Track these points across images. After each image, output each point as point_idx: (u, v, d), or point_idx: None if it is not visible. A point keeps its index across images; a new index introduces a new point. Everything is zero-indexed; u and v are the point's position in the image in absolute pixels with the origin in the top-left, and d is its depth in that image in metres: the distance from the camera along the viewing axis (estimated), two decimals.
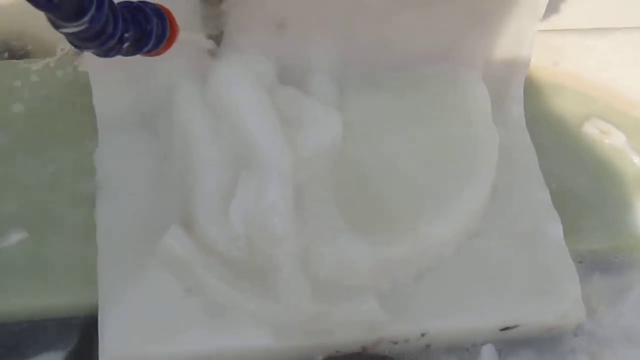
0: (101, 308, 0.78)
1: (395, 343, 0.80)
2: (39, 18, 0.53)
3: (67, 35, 0.54)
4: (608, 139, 0.98)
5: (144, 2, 0.62)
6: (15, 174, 0.89)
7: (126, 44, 0.57)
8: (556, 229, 0.86)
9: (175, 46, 0.69)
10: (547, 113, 1.00)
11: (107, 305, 0.78)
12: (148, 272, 0.80)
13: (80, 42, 0.54)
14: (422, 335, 0.80)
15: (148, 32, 0.60)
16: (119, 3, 0.58)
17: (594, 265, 0.89)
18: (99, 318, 0.78)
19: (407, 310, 0.79)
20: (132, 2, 0.60)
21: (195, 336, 0.77)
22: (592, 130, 0.98)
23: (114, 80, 0.85)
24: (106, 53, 0.57)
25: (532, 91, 0.99)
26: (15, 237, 0.85)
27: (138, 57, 0.66)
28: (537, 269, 0.84)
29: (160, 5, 0.62)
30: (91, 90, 0.86)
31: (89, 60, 0.84)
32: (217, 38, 0.82)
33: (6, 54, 1.01)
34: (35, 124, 0.93)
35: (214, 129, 0.82)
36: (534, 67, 0.97)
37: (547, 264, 0.84)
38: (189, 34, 0.78)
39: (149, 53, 0.62)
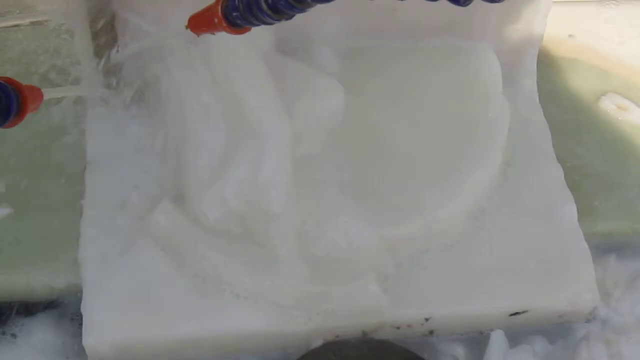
0: (85, 288, 0.75)
1: (398, 328, 0.77)
2: None
3: None
4: (625, 115, 0.94)
5: None
6: (2, 151, 0.86)
7: None
8: (570, 209, 0.83)
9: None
10: (561, 88, 0.96)
11: (91, 285, 0.75)
12: (137, 250, 0.77)
13: None
14: (426, 320, 0.77)
15: None
16: None
17: (610, 247, 0.85)
18: (82, 299, 0.75)
19: (410, 294, 0.76)
20: None
21: (187, 320, 0.74)
22: (609, 106, 0.95)
23: None
24: None
25: (546, 65, 0.96)
26: None
27: None
28: (549, 251, 0.81)
29: (8, 80, 0.60)
30: None
31: (75, 30, 0.82)
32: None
33: None
34: None
35: (208, 99, 0.79)
36: (547, 40, 0.94)
37: (560, 245, 0.81)
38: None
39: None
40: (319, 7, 0.59)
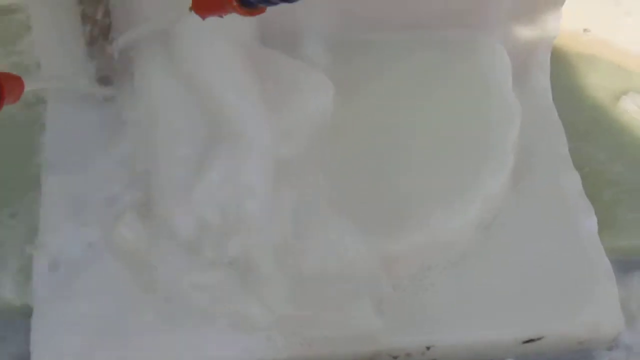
0: (35, 316, 0.68)
1: (395, 358, 0.71)
2: None
3: None
4: None
5: None
6: None
7: None
8: (590, 221, 0.77)
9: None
10: (577, 87, 0.91)
11: (43, 312, 0.68)
12: (98, 269, 0.70)
13: None
14: (428, 348, 0.71)
15: None
16: None
17: (633, 264, 0.79)
18: (31, 329, 0.68)
19: (409, 319, 0.70)
20: None
21: (151, 347, 0.67)
22: (630, 106, 0.89)
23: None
24: None
25: (559, 62, 0.90)
26: None
27: None
28: (566, 268, 0.74)
29: None
30: None
31: (35, 17, 0.76)
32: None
33: None
34: None
35: (183, 97, 0.73)
36: (561, 34, 0.87)
37: (578, 262, 0.75)
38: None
39: None
40: None
